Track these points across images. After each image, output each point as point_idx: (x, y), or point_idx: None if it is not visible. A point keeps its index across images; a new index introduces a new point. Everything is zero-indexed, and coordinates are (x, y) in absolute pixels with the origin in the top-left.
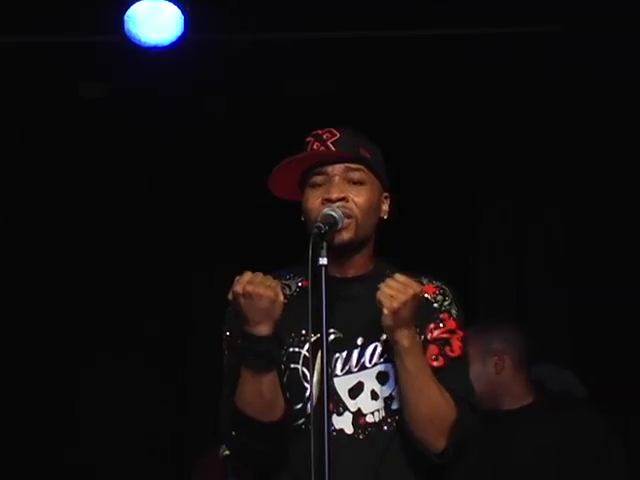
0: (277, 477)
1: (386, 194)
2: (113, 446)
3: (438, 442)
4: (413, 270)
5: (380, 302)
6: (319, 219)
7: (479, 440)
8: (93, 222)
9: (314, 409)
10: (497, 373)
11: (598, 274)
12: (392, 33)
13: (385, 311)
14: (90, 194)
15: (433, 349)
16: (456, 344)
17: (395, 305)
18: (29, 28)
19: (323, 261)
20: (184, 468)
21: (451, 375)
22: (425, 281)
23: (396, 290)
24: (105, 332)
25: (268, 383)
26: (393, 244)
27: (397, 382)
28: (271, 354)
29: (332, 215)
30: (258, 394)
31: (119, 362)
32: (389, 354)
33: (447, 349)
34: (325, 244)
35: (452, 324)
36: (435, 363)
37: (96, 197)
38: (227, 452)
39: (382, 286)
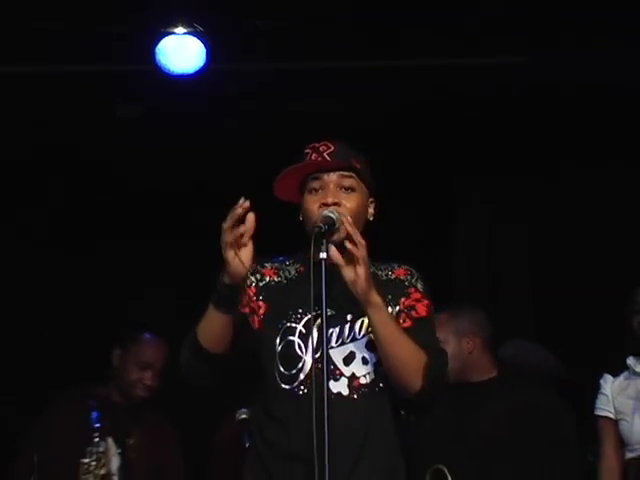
0: (267, 433)
1: (372, 199)
2: None
3: (415, 383)
4: (385, 259)
5: (355, 272)
6: (319, 220)
7: (451, 406)
8: (109, 224)
9: (308, 376)
10: (469, 352)
11: (559, 266)
12: (384, 63)
13: (362, 274)
14: (112, 199)
15: (403, 316)
16: (421, 308)
17: (365, 269)
18: (79, 59)
19: (323, 255)
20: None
21: (418, 332)
22: (396, 266)
23: (362, 253)
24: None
25: (222, 321)
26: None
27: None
28: (231, 301)
29: (330, 217)
30: (212, 327)
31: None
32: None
33: (413, 312)
34: (325, 241)
35: (417, 295)
36: (404, 325)
37: (117, 201)
38: (243, 416)
39: (354, 252)
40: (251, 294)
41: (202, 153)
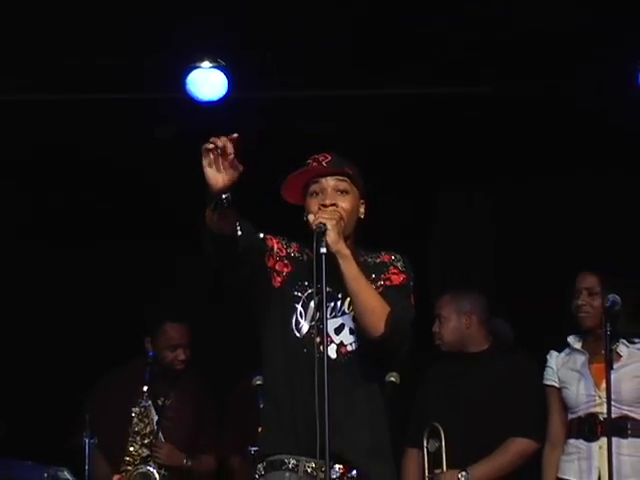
0: (279, 388)
1: (362, 200)
2: None
3: (379, 327)
4: (376, 249)
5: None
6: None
7: (450, 372)
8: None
9: (305, 337)
10: (467, 328)
11: (522, 264)
12: (374, 92)
13: (331, 226)
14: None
15: (379, 286)
16: (395, 278)
17: (335, 223)
18: (124, 88)
19: (323, 250)
20: None
21: (387, 294)
22: (383, 253)
23: (330, 213)
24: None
25: (212, 215)
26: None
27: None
28: (211, 203)
29: (322, 223)
30: (209, 215)
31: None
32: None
33: (387, 282)
34: (325, 238)
35: (395, 270)
36: (377, 292)
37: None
38: (258, 382)
39: (320, 214)
40: (279, 251)
41: None
